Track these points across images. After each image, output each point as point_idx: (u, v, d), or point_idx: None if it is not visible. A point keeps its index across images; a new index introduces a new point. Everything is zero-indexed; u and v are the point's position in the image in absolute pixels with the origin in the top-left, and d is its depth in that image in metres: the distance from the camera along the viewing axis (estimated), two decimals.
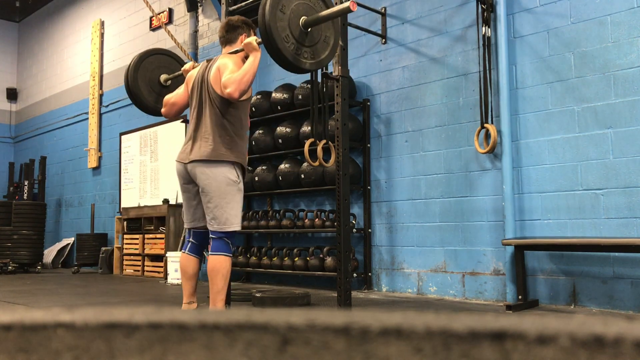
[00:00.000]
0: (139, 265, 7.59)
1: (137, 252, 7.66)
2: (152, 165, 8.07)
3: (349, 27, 4.35)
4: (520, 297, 4.15)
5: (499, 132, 4.49)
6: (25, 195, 9.18)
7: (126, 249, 7.85)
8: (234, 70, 3.13)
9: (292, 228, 5.75)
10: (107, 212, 8.88)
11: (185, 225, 3.53)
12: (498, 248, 4.52)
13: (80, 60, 9.94)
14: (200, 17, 7.57)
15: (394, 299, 4.87)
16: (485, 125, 4.50)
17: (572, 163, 4.20)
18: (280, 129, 5.94)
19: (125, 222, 8.01)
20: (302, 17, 3.18)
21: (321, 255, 5.36)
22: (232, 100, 3.15)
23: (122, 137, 8.61)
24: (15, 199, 9.36)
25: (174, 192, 7.42)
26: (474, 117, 4.72)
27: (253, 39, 3.20)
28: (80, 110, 9.71)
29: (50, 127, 10.44)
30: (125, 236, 7.92)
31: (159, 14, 8.16)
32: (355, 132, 5.35)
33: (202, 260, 3.45)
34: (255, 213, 6.12)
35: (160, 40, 8.10)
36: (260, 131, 6.15)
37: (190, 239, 3.42)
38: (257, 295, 4.44)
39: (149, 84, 4.00)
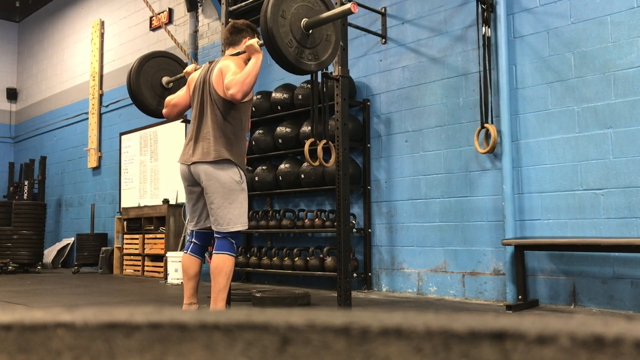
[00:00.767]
0: (139, 265, 7.59)
1: (137, 252, 7.66)
2: (152, 165, 8.07)
3: (349, 27, 4.35)
4: (520, 297, 4.15)
5: (499, 132, 4.49)
6: (25, 195, 9.19)
7: (126, 249, 7.86)
8: (236, 72, 3.15)
9: (292, 228, 5.75)
10: (107, 212, 8.88)
11: (189, 227, 3.54)
12: (498, 248, 4.52)
13: (80, 60, 9.94)
14: (200, 17, 7.57)
15: (394, 299, 4.87)
16: (485, 125, 4.50)
17: (572, 163, 4.20)
18: (280, 129, 5.94)
19: (125, 222, 8.01)
20: (304, 19, 3.19)
21: (321, 255, 5.36)
22: (234, 101, 3.16)
23: (122, 137, 8.61)
24: (15, 199, 9.36)
25: (174, 192, 7.42)
26: (474, 117, 4.72)
27: (255, 41, 3.22)
28: (80, 110, 9.71)
29: (50, 127, 10.44)
30: (125, 236, 7.92)
31: (159, 14, 8.16)
32: (355, 132, 5.35)
33: (204, 261, 3.45)
34: (255, 213, 6.12)
35: (160, 40, 8.10)
36: (260, 131, 6.15)
37: (193, 240, 3.43)
38: (257, 295, 4.44)
39: (151, 87, 4.01)
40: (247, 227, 3.33)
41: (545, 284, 4.27)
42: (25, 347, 0.39)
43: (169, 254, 6.56)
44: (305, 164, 5.61)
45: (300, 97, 5.76)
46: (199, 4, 7.54)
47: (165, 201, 7.37)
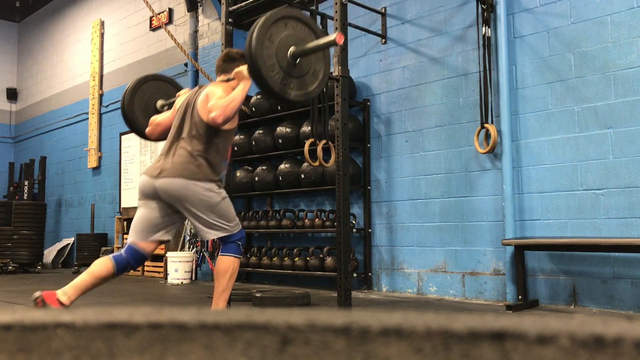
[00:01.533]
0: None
1: None
2: None
3: (349, 27, 4.35)
4: (520, 297, 4.15)
5: (499, 132, 4.49)
6: (25, 195, 9.18)
7: None
8: (222, 96, 3.08)
9: (292, 228, 5.75)
10: (107, 212, 8.88)
11: (128, 240, 3.26)
12: (498, 248, 4.52)
13: (80, 60, 9.94)
14: (200, 17, 7.57)
15: (394, 299, 4.87)
16: (485, 125, 4.50)
17: (572, 163, 4.20)
18: (280, 129, 5.94)
19: (125, 222, 8.01)
20: (291, 48, 3.17)
21: (321, 255, 5.36)
22: (215, 125, 3.06)
23: (122, 137, 8.61)
24: (15, 199, 9.36)
25: None
26: (474, 117, 4.72)
27: (244, 68, 3.15)
28: (80, 110, 9.71)
29: (50, 127, 10.44)
30: (125, 236, 7.92)
31: (159, 14, 8.15)
32: (355, 132, 5.35)
33: (116, 272, 3.19)
34: (255, 213, 6.12)
35: (160, 41, 8.10)
36: (260, 131, 6.15)
37: (123, 252, 3.17)
38: (257, 295, 4.44)
39: (145, 109, 3.93)
40: (240, 226, 3.31)
41: (545, 284, 4.27)
42: (25, 347, 0.39)
43: (168, 254, 6.56)
44: (305, 164, 5.60)
45: None
46: (199, 4, 7.53)
47: None
